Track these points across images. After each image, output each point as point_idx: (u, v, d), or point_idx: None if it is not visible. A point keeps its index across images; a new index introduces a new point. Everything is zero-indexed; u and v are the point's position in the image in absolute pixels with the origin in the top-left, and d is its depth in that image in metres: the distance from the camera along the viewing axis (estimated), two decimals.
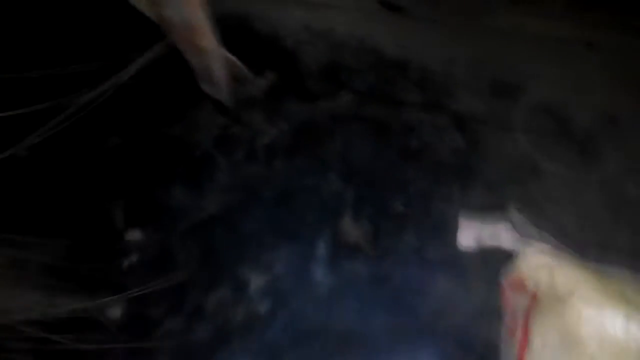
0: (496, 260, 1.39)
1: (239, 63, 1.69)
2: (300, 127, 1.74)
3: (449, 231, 1.49)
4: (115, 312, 1.50)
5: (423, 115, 1.71)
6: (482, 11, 1.81)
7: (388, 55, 1.83)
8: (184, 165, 1.72)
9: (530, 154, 1.58)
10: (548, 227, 1.44)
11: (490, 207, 1.50)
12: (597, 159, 1.55)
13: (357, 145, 1.68)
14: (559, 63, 1.76)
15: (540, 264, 1.22)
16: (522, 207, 1.49)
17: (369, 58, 1.84)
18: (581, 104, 1.64)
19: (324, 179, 1.64)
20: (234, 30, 1.90)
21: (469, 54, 1.79)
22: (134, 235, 1.64)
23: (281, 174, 1.66)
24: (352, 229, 1.54)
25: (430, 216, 1.53)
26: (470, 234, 1.39)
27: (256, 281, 1.51)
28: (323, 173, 1.65)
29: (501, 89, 1.70)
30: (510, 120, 1.65)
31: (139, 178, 1.72)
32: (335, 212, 1.58)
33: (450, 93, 1.73)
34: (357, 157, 1.66)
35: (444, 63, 1.79)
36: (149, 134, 1.78)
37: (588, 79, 1.71)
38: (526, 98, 1.68)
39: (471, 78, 1.75)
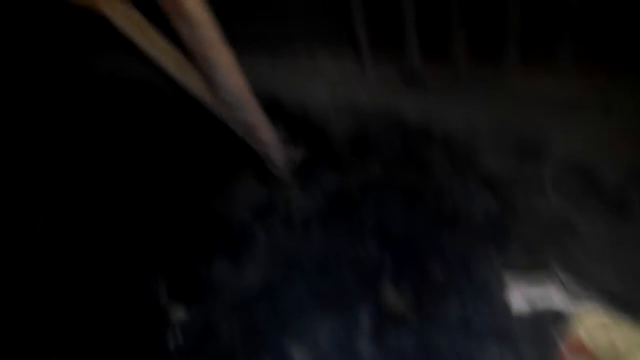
0: (545, 324, 1.37)
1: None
2: (334, 197, 1.80)
3: (493, 296, 1.49)
4: None
5: (452, 179, 1.76)
6: (497, 74, 1.91)
7: (412, 123, 1.92)
8: (224, 238, 1.78)
9: (564, 212, 1.60)
10: (591, 285, 1.44)
11: (531, 269, 1.51)
12: (633, 214, 1.57)
13: (390, 212, 1.73)
14: (576, 122, 1.81)
15: (597, 325, 1.21)
16: (562, 267, 1.49)
17: (394, 128, 1.92)
18: (607, 162, 1.68)
19: (361, 247, 1.67)
20: (265, 109, 2.03)
21: (489, 117, 1.86)
22: (178, 312, 1.67)
23: (319, 243, 1.71)
24: (394, 298, 1.55)
25: (472, 281, 1.54)
26: (521, 296, 1.39)
27: (300, 355, 1.51)
28: (360, 241, 1.68)
29: (525, 150, 1.76)
30: (539, 180, 1.68)
31: (181, 253, 1.78)
32: (375, 280, 1.60)
33: (475, 156, 1.79)
34: (391, 224, 1.70)
35: (466, 129, 1.86)
36: (190, 207, 1.86)
37: (608, 136, 1.76)
38: (551, 158, 1.72)
39: (494, 141, 1.81)
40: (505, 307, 1.43)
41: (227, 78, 1.37)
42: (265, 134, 1.60)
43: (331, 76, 2.05)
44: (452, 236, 1.64)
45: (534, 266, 1.49)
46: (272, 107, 2.03)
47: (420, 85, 1.97)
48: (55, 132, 2.30)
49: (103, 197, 2.00)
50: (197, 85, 1.47)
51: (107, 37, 1.70)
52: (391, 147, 1.87)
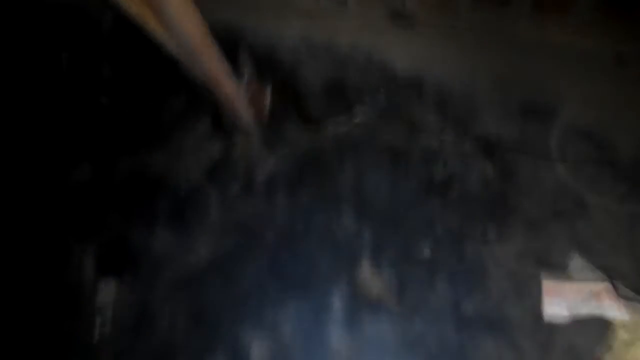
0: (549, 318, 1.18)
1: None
2: (305, 156, 1.50)
3: (488, 280, 1.27)
4: None
5: (445, 140, 1.49)
6: (503, 22, 1.62)
7: (400, 71, 1.61)
8: (167, 201, 1.45)
9: (572, 185, 1.38)
10: (602, 270, 1.24)
11: (534, 250, 1.29)
12: None
13: (371, 176, 1.45)
14: (589, 79, 1.57)
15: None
16: (570, 248, 1.28)
17: (378, 75, 1.61)
18: (622, 127, 1.45)
19: (335, 218, 1.40)
20: (224, 45, 1.65)
21: (492, 70, 1.58)
22: (108, 288, 1.36)
23: (285, 211, 1.42)
24: (372, 279, 1.30)
25: (464, 261, 1.31)
26: (559, 300, 1.13)
27: (259, 347, 1.25)
28: (334, 210, 1.41)
29: (531, 110, 1.50)
30: (545, 147, 1.44)
31: (112, 217, 1.45)
32: (350, 257, 1.34)
33: (474, 114, 1.52)
34: (372, 191, 1.43)
35: (464, 80, 1.58)
36: (125, 162, 1.51)
37: (623, 95, 1.53)
38: (560, 120, 1.48)
39: (496, 97, 1.54)
40: (504, 295, 1.21)
41: (179, 15, 1.01)
42: (227, 86, 1.28)
43: (305, 9, 1.69)
44: (443, 208, 1.39)
45: (536, 247, 1.27)
46: (235, 45, 1.67)
47: (411, 25, 1.64)
48: None
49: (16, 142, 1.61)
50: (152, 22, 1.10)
51: None
52: (373, 98, 1.57)
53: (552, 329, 1.20)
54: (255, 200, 1.43)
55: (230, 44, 1.68)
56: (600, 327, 1.14)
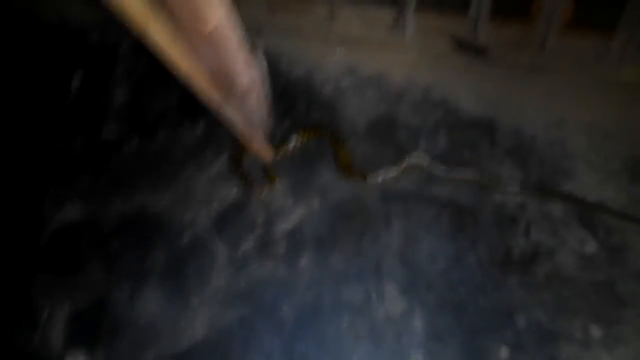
0: None
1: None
2: (339, 208, 1.18)
3: None
4: None
5: (526, 200, 1.13)
6: (601, 61, 1.29)
7: (466, 111, 1.30)
8: (164, 253, 1.15)
9: None
10: None
11: None
12: None
13: (426, 241, 1.10)
14: None
15: None
16: None
17: (438, 114, 1.30)
18: None
19: (375, 293, 1.05)
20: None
21: (585, 117, 1.24)
22: None
23: (309, 279, 1.08)
24: None
25: None
26: None
27: None
28: (374, 282, 1.06)
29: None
30: None
31: (93, 271, 1.15)
32: (395, 352, 0.97)
33: (563, 169, 1.17)
34: (426, 261, 1.08)
35: (549, 126, 1.24)
36: (121, 200, 1.24)
37: None
38: None
39: (593, 150, 1.19)
40: None
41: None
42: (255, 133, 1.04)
43: (354, 37, 1.43)
44: (526, 292, 1.01)
45: None
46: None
47: (480, 53, 1.34)
48: None
49: None
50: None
51: None
52: (432, 141, 1.25)
53: None
54: (272, 262, 1.11)
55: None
56: None
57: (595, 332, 0.96)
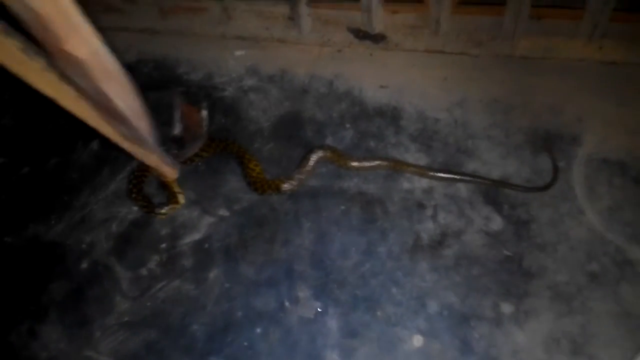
0: None
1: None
2: (249, 214, 1.13)
3: None
4: None
5: (432, 184, 1.13)
6: (495, 36, 1.30)
7: (370, 100, 1.28)
8: (63, 285, 1.07)
9: (609, 236, 1.00)
10: None
11: (569, 333, 0.90)
12: None
13: (335, 236, 1.08)
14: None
15: None
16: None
17: (343, 107, 1.28)
18: None
19: (287, 298, 1.01)
20: (154, 79, 1.34)
21: (485, 94, 1.25)
22: None
23: (219, 292, 1.03)
24: None
25: (471, 352, 0.91)
26: None
27: None
28: (286, 287, 1.02)
29: (542, 141, 1.16)
30: (568, 187, 1.09)
31: None
32: (312, 359, 0.94)
33: (467, 149, 1.17)
34: (337, 257, 1.05)
35: (451, 107, 1.25)
36: (14, 229, 1.14)
37: None
38: (583, 151, 1.13)
39: (495, 126, 1.20)
40: None
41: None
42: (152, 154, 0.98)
43: (248, 32, 1.39)
44: (435, 276, 1.00)
45: None
46: (164, 74, 1.36)
47: (379, 41, 1.32)
48: None
49: None
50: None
51: None
52: (338, 133, 1.22)
53: None
54: (179, 279, 1.05)
55: (164, 80, 1.38)
56: None
57: (506, 308, 0.96)
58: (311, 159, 1.16)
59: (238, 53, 1.37)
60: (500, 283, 0.99)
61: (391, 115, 1.24)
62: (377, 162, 1.15)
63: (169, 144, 1.10)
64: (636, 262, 0.99)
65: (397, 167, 1.14)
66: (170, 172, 1.10)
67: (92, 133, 0.88)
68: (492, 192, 1.11)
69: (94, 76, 0.79)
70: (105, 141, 0.91)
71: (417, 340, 0.94)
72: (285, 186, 1.13)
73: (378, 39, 1.33)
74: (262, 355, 0.95)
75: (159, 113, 1.01)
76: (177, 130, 1.11)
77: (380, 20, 1.31)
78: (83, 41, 0.74)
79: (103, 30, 0.77)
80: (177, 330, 0.99)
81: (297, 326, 0.98)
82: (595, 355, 0.90)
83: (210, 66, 1.36)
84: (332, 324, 0.97)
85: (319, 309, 0.99)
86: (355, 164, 1.14)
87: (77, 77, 0.75)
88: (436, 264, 1.02)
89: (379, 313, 0.98)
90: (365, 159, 1.16)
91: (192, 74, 1.36)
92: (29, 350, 1.00)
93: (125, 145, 0.93)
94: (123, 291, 1.04)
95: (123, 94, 0.85)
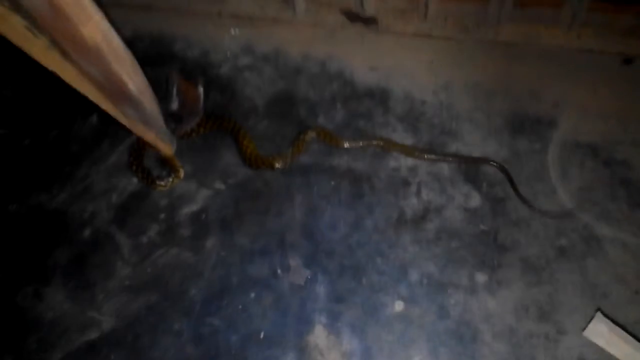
0: None
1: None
2: (244, 188, 1.20)
3: (479, 342, 0.96)
4: None
5: (417, 163, 1.20)
6: (481, 22, 1.36)
7: (361, 82, 1.34)
8: (66, 251, 1.13)
9: (578, 214, 1.09)
10: None
11: (537, 301, 0.99)
12: None
13: (325, 210, 1.15)
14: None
15: None
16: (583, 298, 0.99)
17: (334, 87, 1.34)
18: (633, 138, 1.19)
19: (280, 267, 1.08)
20: (150, 56, 1.37)
21: (469, 78, 1.32)
22: None
23: (216, 260, 1.10)
24: (328, 348, 0.98)
25: (447, 317, 1.00)
26: (601, 332, 0.95)
27: None
28: (278, 256, 1.10)
29: (521, 123, 1.23)
30: (542, 167, 1.17)
31: None
32: (300, 320, 1.02)
33: (450, 130, 1.24)
34: (326, 229, 1.13)
35: (437, 90, 1.31)
36: (18, 198, 1.19)
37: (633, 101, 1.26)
38: (558, 134, 1.21)
39: (477, 110, 1.27)
40: None
41: None
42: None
43: (247, 16, 1.43)
44: (417, 248, 1.08)
45: None
46: (159, 51, 1.40)
47: (370, 24, 1.37)
48: None
49: None
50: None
51: None
52: (329, 112, 1.28)
53: None
54: (178, 247, 1.11)
55: (160, 56, 1.41)
56: None
57: (480, 278, 1.05)
58: (304, 139, 1.22)
59: (233, 31, 1.41)
60: (476, 255, 1.08)
61: (380, 97, 1.31)
62: (367, 142, 1.22)
63: (167, 119, 1.14)
64: (602, 238, 1.08)
65: (387, 146, 1.21)
66: (166, 147, 1.15)
67: (92, 107, 0.93)
68: (472, 171, 1.18)
69: (106, 59, 0.83)
70: (104, 115, 0.96)
71: (399, 306, 1.02)
72: (278, 164, 1.20)
73: (369, 21, 1.38)
74: (256, 318, 1.03)
75: (156, 89, 1.06)
76: (175, 105, 1.15)
77: (371, 3, 1.36)
78: (96, 26, 0.77)
79: (99, 6, 0.80)
80: (176, 294, 1.06)
81: (288, 292, 1.05)
82: (560, 321, 1.00)
83: (206, 43, 1.40)
84: (321, 290, 1.05)
85: (308, 277, 1.07)
86: (347, 144, 1.21)
87: (90, 61, 0.79)
88: (418, 236, 1.10)
89: (364, 280, 1.06)
90: (355, 140, 1.22)
91: (188, 50, 1.40)
92: (34, 310, 1.06)
93: (125, 121, 0.98)
94: (124, 257, 1.10)
95: (133, 74, 0.89)
